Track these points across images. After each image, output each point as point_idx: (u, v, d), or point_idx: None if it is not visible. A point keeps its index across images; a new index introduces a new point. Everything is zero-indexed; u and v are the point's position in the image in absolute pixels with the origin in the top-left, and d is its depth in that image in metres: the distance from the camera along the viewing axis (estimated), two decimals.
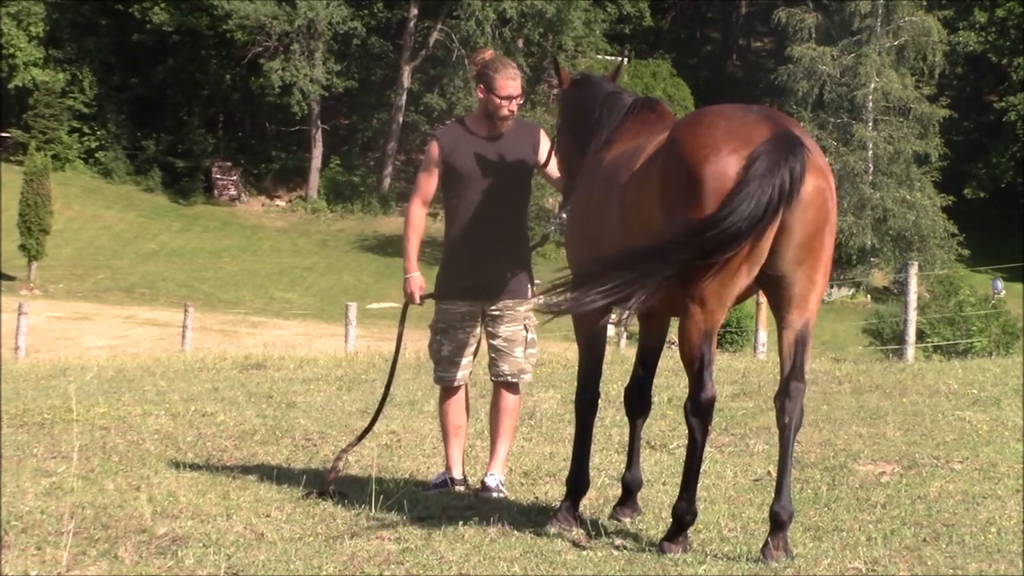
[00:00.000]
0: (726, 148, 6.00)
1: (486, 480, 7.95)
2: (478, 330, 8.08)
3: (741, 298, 6.37)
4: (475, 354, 8.17)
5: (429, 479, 8.28)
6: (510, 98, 7.91)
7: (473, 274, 7.94)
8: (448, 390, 8.16)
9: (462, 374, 8.11)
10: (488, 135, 7.99)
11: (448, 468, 8.15)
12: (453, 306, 8.03)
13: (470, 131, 8.03)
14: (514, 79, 7.92)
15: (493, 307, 8.00)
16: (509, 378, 8.05)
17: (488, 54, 8.16)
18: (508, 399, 8.08)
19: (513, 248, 8.03)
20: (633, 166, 6.52)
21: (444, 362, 8.09)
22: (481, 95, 7.99)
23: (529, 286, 8.08)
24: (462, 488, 8.01)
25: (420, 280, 8.06)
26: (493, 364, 8.07)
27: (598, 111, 7.22)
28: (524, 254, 8.10)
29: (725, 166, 5.97)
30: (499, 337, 8.01)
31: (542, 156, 8.04)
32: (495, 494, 7.83)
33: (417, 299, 8.05)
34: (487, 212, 7.94)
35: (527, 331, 8.04)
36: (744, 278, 6.09)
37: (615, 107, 7.16)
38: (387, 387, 8.39)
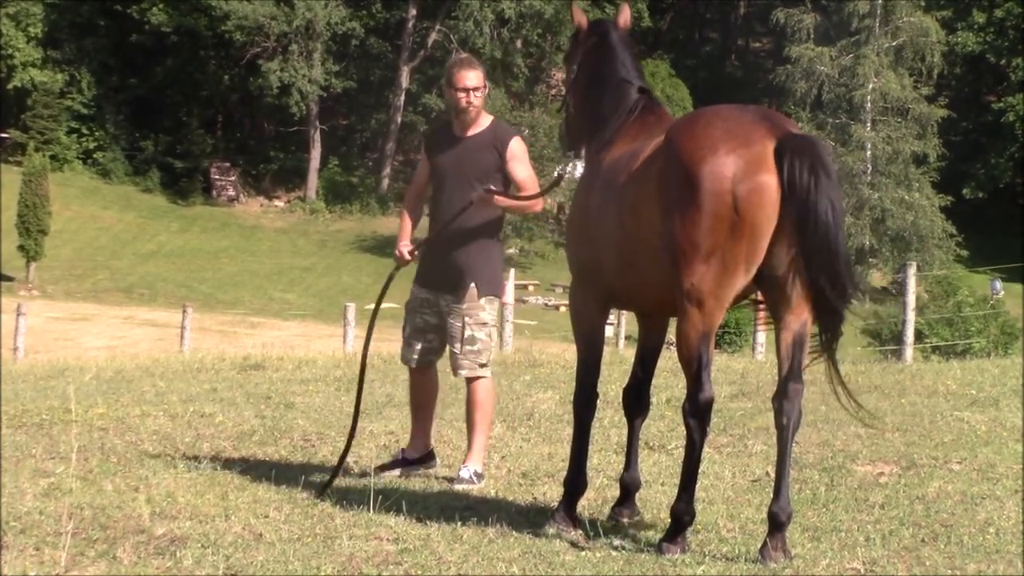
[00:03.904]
0: (723, 148, 6.01)
1: (460, 472, 8.17)
2: (436, 320, 8.36)
3: (739, 298, 6.38)
4: (440, 343, 8.42)
5: (427, 480, 8.30)
6: (467, 90, 8.20)
7: (439, 264, 8.28)
8: (411, 371, 8.52)
9: (416, 358, 8.42)
10: (463, 134, 8.28)
11: (408, 447, 8.58)
12: (416, 290, 8.41)
13: (450, 130, 8.36)
14: (471, 71, 8.25)
15: (443, 302, 8.31)
16: (452, 372, 8.38)
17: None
18: (470, 392, 8.36)
19: (478, 242, 8.23)
20: (631, 168, 6.52)
21: (404, 342, 8.49)
22: (447, 93, 8.34)
23: (474, 284, 8.24)
24: (411, 470, 8.39)
25: (408, 245, 8.39)
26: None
27: (606, 98, 7.15)
28: (489, 248, 8.30)
29: (722, 166, 5.99)
30: (447, 331, 8.34)
31: (508, 161, 8.21)
32: (463, 485, 7.99)
33: (407, 256, 8.32)
34: (451, 207, 8.19)
35: (465, 328, 8.23)
36: (742, 278, 6.10)
37: (620, 103, 7.11)
38: (365, 350, 8.44)
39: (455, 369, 8.34)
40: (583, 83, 7.34)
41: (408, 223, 8.56)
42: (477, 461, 8.24)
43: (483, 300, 8.26)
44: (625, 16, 7.40)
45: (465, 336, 8.23)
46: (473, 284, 8.22)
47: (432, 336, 8.40)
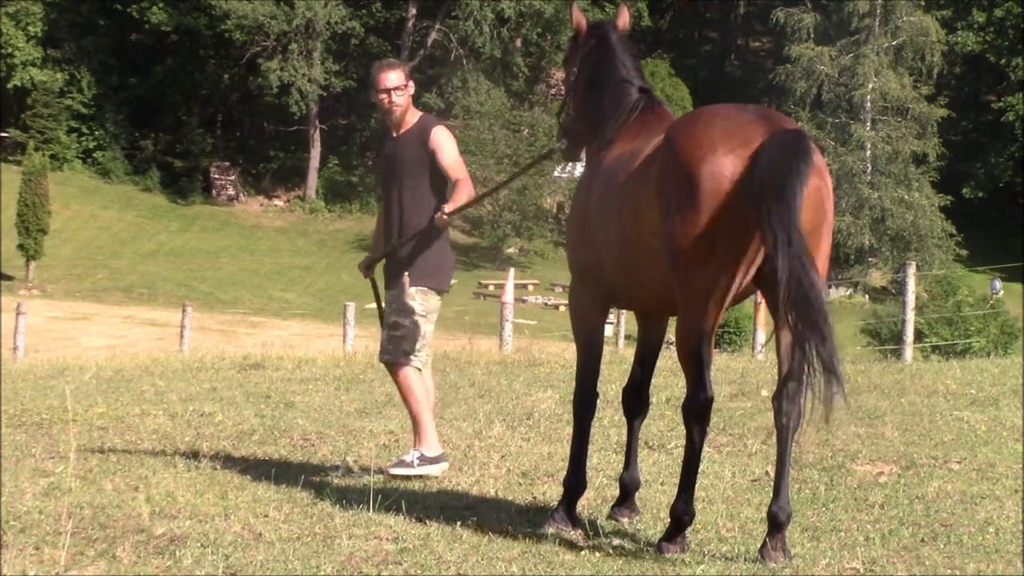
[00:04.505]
0: (723, 148, 6.00)
1: (403, 456, 8.45)
2: None
3: (739, 298, 6.37)
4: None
5: (427, 480, 8.29)
6: (388, 91, 8.51)
7: (390, 262, 8.59)
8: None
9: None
10: (396, 134, 8.62)
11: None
12: (385, 290, 8.70)
13: (390, 132, 8.70)
14: (391, 72, 8.56)
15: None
16: (379, 355, 8.63)
17: None
18: (393, 377, 8.57)
19: (419, 237, 8.46)
20: (631, 167, 6.51)
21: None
22: (373, 97, 8.67)
23: (406, 273, 8.48)
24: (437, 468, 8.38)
25: (367, 260, 8.78)
26: None
27: (606, 98, 7.16)
28: (429, 243, 8.47)
29: (721, 166, 5.97)
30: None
31: (434, 152, 8.44)
32: (402, 469, 8.22)
33: (363, 275, 8.82)
34: (391, 203, 8.57)
35: (392, 314, 8.51)
36: (741, 278, 6.09)
37: (621, 103, 7.10)
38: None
39: (380, 354, 8.57)
40: (583, 84, 7.33)
41: (379, 230, 8.84)
42: (423, 444, 8.39)
43: (413, 289, 8.46)
44: (624, 18, 7.39)
45: (390, 322, 8.48)
46: (405, 274, 8.48)
47: None
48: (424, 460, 8.30)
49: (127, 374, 14.68)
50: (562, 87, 7.80)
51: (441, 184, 8.48)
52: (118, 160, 69.80)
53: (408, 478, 8.22)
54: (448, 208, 8.31)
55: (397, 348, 8.45)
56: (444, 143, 8.47)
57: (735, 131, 6.05)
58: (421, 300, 8.45)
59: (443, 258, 8.57)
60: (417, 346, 8.46)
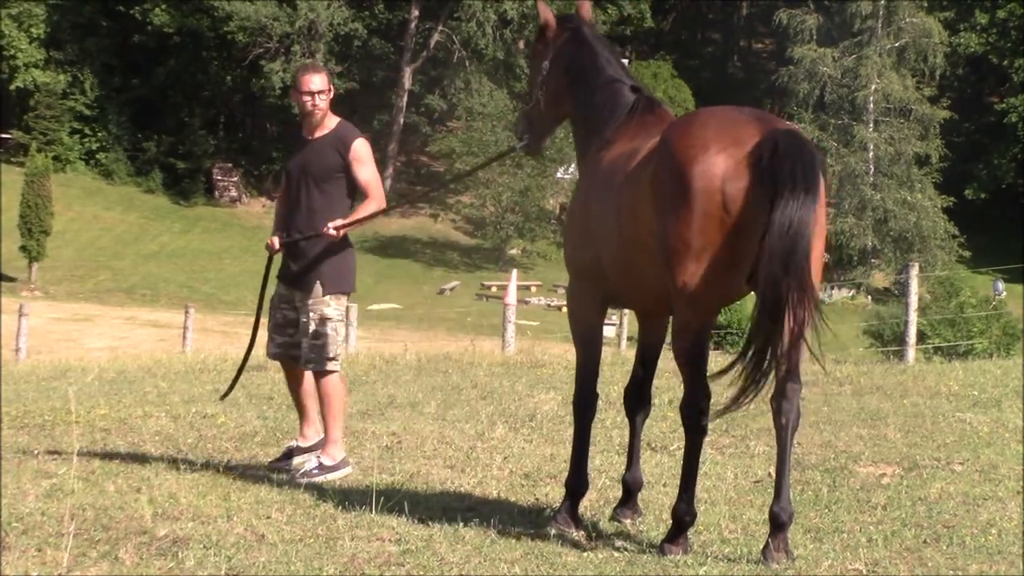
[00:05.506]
0: (715, 147, 6.01)
1: (305, 463, 8.56)
2: (294, 315, 8.65)
3: (735, 297, 6.39)
4: (300, 336, 8.61)
5: (430, 481, 8.30)
6: (312, 94, 8.55)
7: (293, 262, 8.60)
8: (282, 365, 8.88)
9: (279, 351, 8.72)
10: (310, 136, 8.64)
11: (300, 435, 8.88)
12: (278, 286, 8.74)
13: (303, 135, 8.71)
14: (315, 75, 8.64)
15: (297, 298, 8.59)
16: (302, 364, 8.62)
17: None
18: (318, 387, 8.63)
19: (327, 242, 8.47)
20: (629, 167, 6.53)
21: (268, 337, 8.79)
22: (294, 97, 8.70)
23: (319, 282, 8.52)
24: (293, 460, 8.63)
25: (279, 238, 8.68)
26: None
27: (599, 98, 7.15)
28: (338, 248, 8.53)
29: (713, 165, 5.98)
30: (300, 326, 8.60)
31: (352, 164, 8.51)
32: (305, 477, 8.30)
33: (276, 246, 8.65)
34: (299, 207, 8.58)
35: (310, 323, 8.52)
36: (734, 277, 6.09)
37: (617, 103, 7.11)
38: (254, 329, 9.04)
39: (304, 363, 8.60)
40: (562, 81, 7.34)
41: (281, 220, 8.87)
42: (327, 453, 8.53)
43: (328, 297, 8.54)
44: (586, 8, 7.49)
45: (310, 331, 8.53)
46: (319, 282, 8.53)
47: (292, 331, 8.69)
48: (324, 469, 8.44)
49: (129, 375, 14.69)
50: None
51: (353, 191, 8.57)
52: (120, 161, 69.82)
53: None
54: (340, 222, 8.41)
55: (321, 356, 8.54)
56: (364, 157, 8.56)
57: (728, 130, 6.08)
58: (335, 306, 8.59)
59: (350, 261, 8.67)
60: (338, 351, 8.60)
